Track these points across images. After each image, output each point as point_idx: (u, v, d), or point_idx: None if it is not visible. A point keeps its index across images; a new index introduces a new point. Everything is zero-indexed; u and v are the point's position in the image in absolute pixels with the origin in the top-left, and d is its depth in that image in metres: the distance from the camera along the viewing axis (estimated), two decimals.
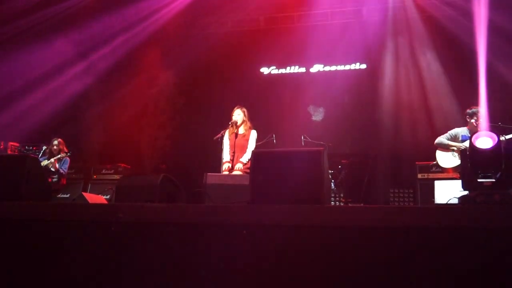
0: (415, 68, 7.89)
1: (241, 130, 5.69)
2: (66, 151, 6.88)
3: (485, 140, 2.83)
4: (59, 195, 7.13)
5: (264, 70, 8.94)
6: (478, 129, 5.42)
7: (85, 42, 8.28)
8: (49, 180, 6.51)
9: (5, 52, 7.58)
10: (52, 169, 6.69)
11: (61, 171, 6.78)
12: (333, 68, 8.62)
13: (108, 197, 6.84)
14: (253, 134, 5.71)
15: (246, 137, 5.65)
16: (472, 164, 2.83)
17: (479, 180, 2.74)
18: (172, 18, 8.65)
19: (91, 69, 8.53)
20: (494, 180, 2.69)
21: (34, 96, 7.85)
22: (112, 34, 8.32)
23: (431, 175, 6.56)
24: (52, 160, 6.67)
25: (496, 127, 5.46)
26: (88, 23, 8.12)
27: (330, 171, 6.55)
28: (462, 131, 5.61)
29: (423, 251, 2.28)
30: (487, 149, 2.79)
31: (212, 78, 8.95)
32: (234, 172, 5.42)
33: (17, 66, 7.71)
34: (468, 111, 5.57)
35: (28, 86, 7.83)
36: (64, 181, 6.98)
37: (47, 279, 2.83)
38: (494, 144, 2.78)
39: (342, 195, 6.99)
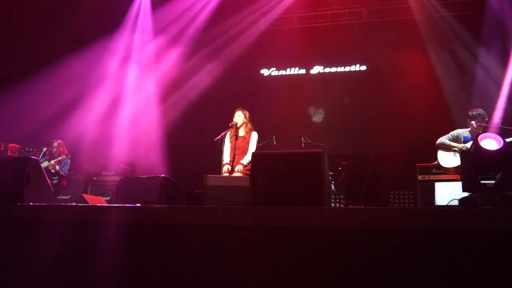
0: (415, 69, 7.90)
1: (242, 132, 5.70)
2: (67, 152, 6.89)
3: (490, 142, 2.81)
4: (59, 197, 7.13)
5: (264, 72, 8.95)
6: (479, 131, 5.43)
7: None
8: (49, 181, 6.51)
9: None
10: (52, 171, 6.68)
11: (62, 172, 6.78)
12: (333, 69, 8.64)
13: (108, 198, 6.84)
14: (254, 135, 5.71)
15: (246, 140, 5.66)
16: (475, 164, 2.79)
17: (482, 181, 2.73)
18: (172, 18, 8.66)
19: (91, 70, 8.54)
20: (494, 181, 2.68)
21: (34, 96, 7.85)
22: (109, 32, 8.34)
23: (431, 177, 6.55)
24: (52, 162, 6.67)
25: (496, 129, 5.47)
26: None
27: (330, 173, 6.55)
28: (464, 132, 5.62)
29: (424, 253, 2.28)
30: (491, 151, 2.76)
31: (213, 79, 8.95)
32: (234, 174, 5.43)
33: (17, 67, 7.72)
34: (470, 113, 5.58)
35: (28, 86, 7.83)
36: (64, 183, 6.98)
37: (47, 280, 2.83)
38: (499, 147, 2.76)
39: (342, 196, 7.00)
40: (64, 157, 6.79)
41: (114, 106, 8.21)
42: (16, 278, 2.87)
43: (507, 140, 5.21)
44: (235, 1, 8.30)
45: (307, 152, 3.15)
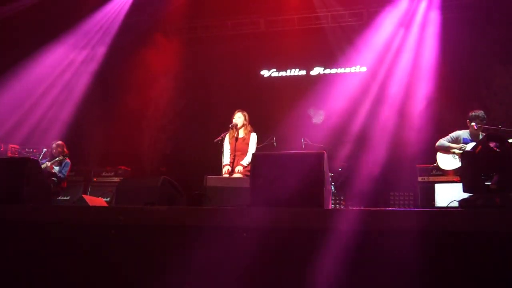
0: (415, 70, 7.89)
1: (241, 134, 5.70)
2: (66, 152, 6.82)
3: (495, 143, 2.80)
4: (59, 198, 7.10)
5: (265, 73, 8.95)
6: (479, 132, 5.43)
7: (83, 44, 8.32)
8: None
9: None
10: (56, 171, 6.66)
11: (59, 174, 6.73)
12: (334, 71, 8.64)
13: (108, 199, 6.84)
14: (253, 137, 5.71)
15: (246, 141, 5.66)
16: (481, 164, 2.77)
17: (486, 183, 2.71)
18: (172, 21, 8.68)
19: (91, 72, 8.55)
20: (491, 183, 2.67)
21: (35, 98, 7.86)
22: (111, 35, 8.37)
23: (431, 178, 6.54)
24: (48, 164, 6.59)
25: (496, 131, 5.46)
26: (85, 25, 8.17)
27: (330, 174, 6.55)
28: (463, 133, 5.61)
29: (423, 254, 2.27)
30: (499, 151, 2.76)
31: (213, 81, 8.96)
32: (235, 175, 5.42)
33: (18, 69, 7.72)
34: (470, 114, 5.57)
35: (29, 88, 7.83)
36: (64, 184, 6.96)
37: (47, 281, 2.83)
38: (503, 149, 2.76)
39: (342, 197, 6.99)
40: (62, 157, 6.72)
41: None
42: (15, 277, 2.87)
43: (510, 141, 5.21)
44: (236, 2, 8.31)
45: (308, 153, 3.15)
